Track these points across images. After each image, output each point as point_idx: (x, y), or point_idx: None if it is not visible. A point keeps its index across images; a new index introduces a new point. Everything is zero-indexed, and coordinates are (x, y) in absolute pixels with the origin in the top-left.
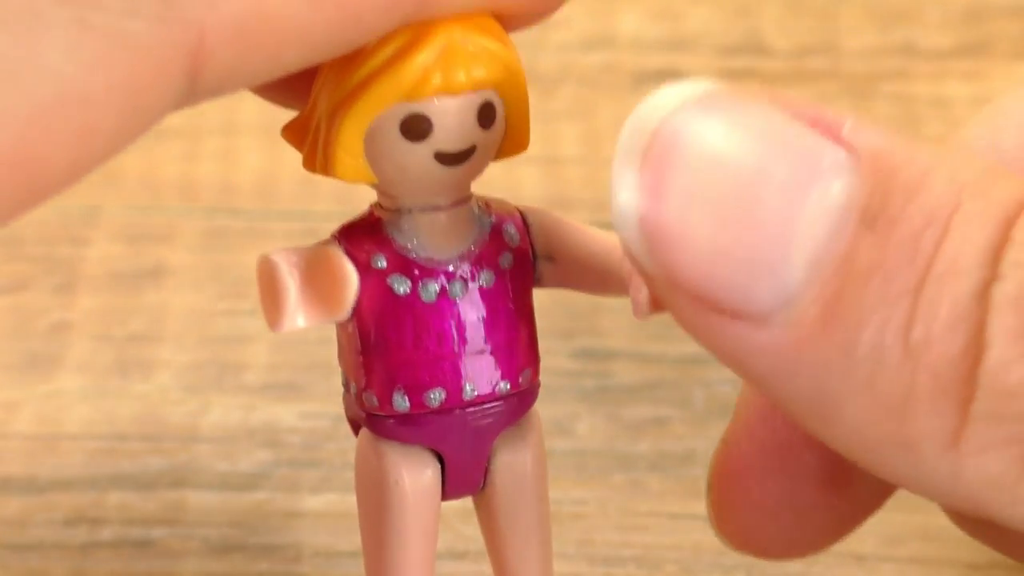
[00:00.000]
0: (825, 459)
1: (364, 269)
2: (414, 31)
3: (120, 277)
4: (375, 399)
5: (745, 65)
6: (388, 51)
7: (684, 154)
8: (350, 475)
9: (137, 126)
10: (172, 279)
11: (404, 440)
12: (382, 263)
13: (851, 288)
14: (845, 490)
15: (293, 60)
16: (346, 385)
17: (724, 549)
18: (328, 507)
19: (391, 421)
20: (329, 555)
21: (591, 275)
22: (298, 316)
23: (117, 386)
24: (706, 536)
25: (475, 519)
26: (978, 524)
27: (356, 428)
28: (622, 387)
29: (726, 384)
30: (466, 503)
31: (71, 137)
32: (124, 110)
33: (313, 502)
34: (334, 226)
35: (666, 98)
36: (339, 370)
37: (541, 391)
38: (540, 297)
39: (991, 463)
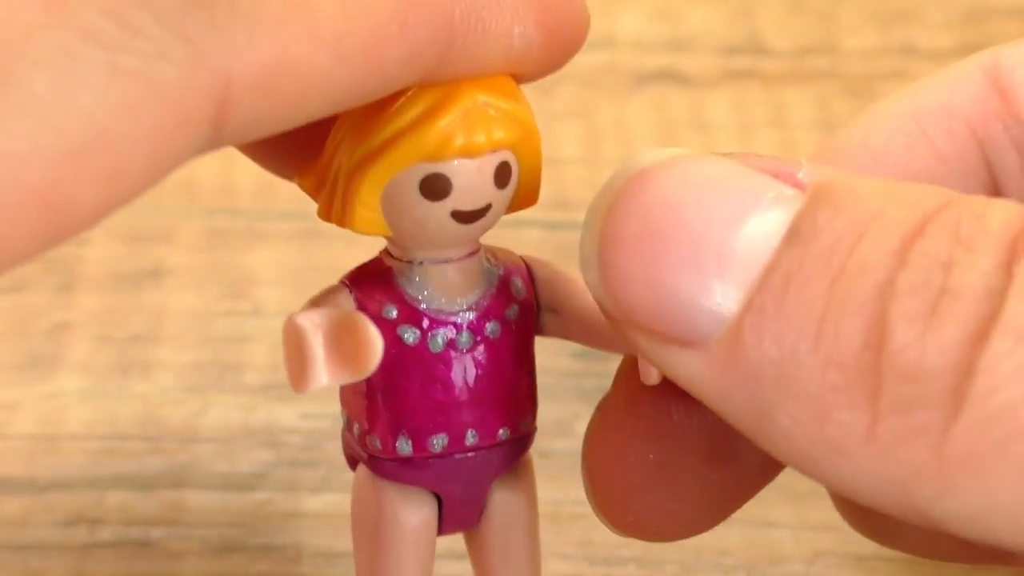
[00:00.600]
0: (707, 432)
1: (375, 319)
2: (439, 94)
3: (120, 277)
4: (379, 443)
5: (745, 65)
6: (414, 113)
7: (638, 204)
8: (350, 476)
9: (162, 170)
10: (172, 279)
11: (404, 482)
12: (393, 314)
13: (774, 300)
14: (729, 466)
15: (316, 109)
16: (348, 425)
17: (724, 549)
18: (328, 507)
19: (393, 464)
20: (329, 555)
21: (593, 331)
22: (322, 378)
23: (117, 386)
24: (706, 536)
25: None
26: (869, 519)
27: (353, 464)
28: None
29: None
30: None
31: (99, 179)
32: (151, 154)
33: (313, 502)
34: (332, 227)
35: (632, 163)
36: None
37: (541, 391)
38: None
39: (910, 454)
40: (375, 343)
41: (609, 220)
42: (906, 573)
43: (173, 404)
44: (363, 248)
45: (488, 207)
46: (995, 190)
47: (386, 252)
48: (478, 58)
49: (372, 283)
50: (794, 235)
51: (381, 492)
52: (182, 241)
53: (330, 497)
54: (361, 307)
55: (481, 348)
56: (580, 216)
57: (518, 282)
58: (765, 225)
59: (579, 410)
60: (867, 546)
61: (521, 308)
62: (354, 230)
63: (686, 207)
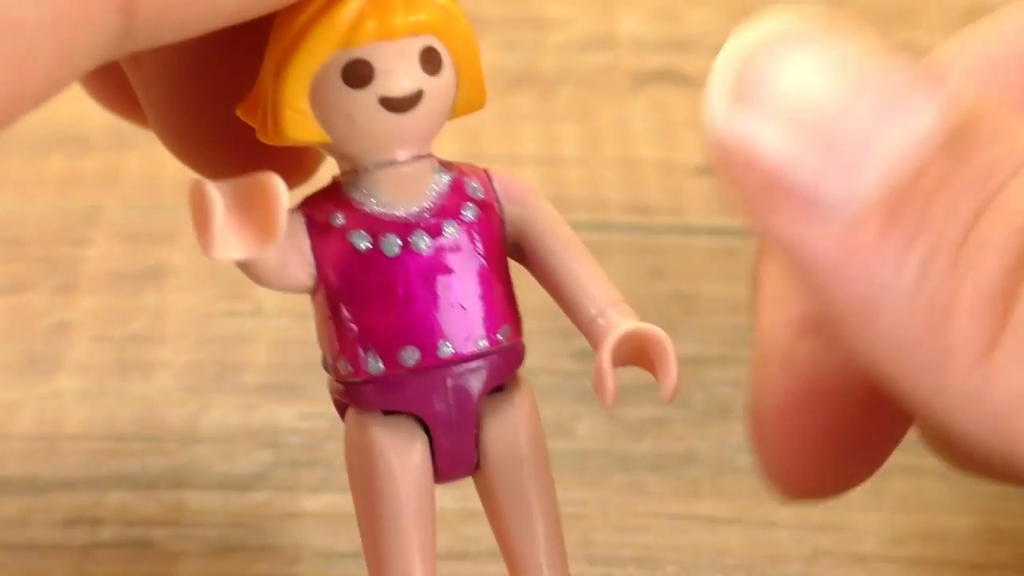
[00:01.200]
0: (861, 379)
1: (324, 228)
2: None
3: (120, 277)
4: (348, 365)
5: None
6: (315, 3)
7: (776, 80)
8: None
9: (73, 65)
10: (172, 279)
11: (384, 406)
12: (340, 220)
13: (917, 200)
14: (882, 410)
15: (228, 9)
16: (324, 365)
17: (724, 549)
18: (328, 508)
19: (368, 387)
20: (328, 556)
21: (548, 279)
22: (231, 240)
23: (117, 387)
24: (706, 536)
25: (475, 520)
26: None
27: (343, 411)
28: (622, 387)
29: (726, 385)
30: (466, 504)
31: (5, 66)
32: (58, 43)
33: (312, 503)
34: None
35: (761, 32)
36: None
37: (541, 391)
38: (539, 298)
39: (1021, 377)
40: (279, 193)
41: (741, 87)
42: (908, 573)
43: (173, 404)
44: None
45: (419, 93)
46: None
47: (336, 174)
48: None
49: (321, 198)
50: (951, 146)
51: (368, 436)
52: (182, 241)
53: (330, 497)
54: (308, 220)
55: (440, 251)
56: (580, 216)
57: (473, 183)
58: (915, 123)
59: (578, 410)
60: (867, 546)
61: (480, 208)
62: (289, 138)
63: (823, 90)
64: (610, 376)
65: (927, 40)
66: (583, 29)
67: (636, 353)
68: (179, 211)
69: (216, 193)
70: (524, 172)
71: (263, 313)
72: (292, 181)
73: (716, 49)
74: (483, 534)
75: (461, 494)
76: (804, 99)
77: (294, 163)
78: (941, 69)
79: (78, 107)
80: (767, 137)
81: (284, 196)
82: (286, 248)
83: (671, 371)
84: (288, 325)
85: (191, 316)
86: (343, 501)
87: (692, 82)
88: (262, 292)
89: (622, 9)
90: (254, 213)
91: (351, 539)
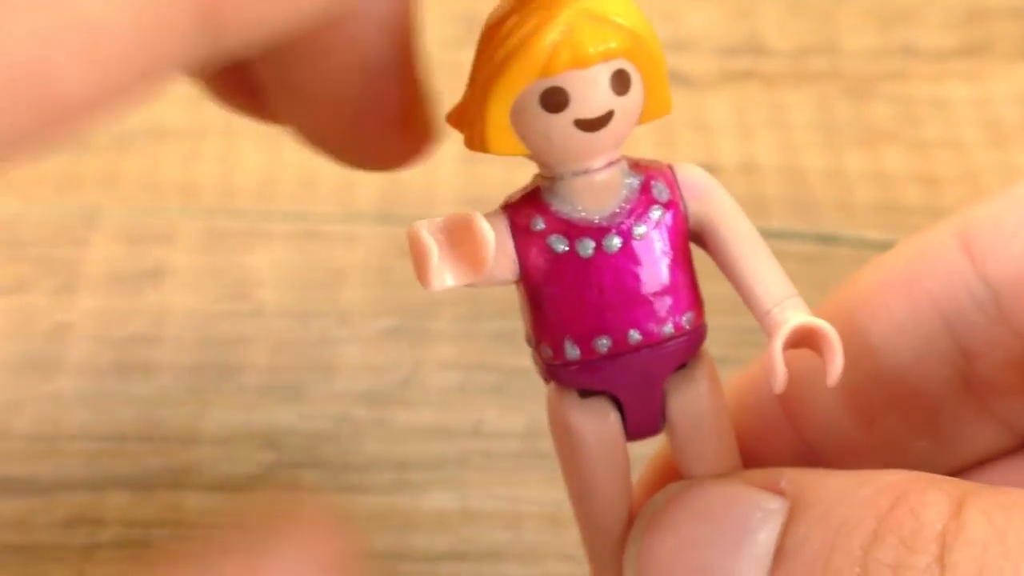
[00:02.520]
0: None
1: (525, 232)
2: (544, 11)
3: (120, 278)
4: (549, 350)
5: (745, 66)
6: (523, 32)
7: (659, 546)
8: (350, 476)
9: (156, 68)
10: (172, 280)
11: (581, 384)
12: (541, 225)
13: None
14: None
15: (312, 8)
16: (529, 342)
17: None
18: (327, 508)
19: (568, 368)
20: None
21: (727, 263)
22: (445, 275)
23: (117, 387)
24: None
25: (475, 520)
26: None
27: (546, 379)
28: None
29: (726, 385)
30: (466, 504)
31: (81, 60)
32: (136, 45)
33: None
34: (334, 227)
35: (654, 500)
36: (340, 371)
37: (540, 393)
38: None
39: None
40: (486, 235)
41: (640, 559)
42: None
43: (173, 405)
44: (363, 249)
45: (610, 114)
46: (959, 352)
47: (537, 175)
48: None
49: (522, 203)
50: (781, 554)
51: (566, 407)
52: (182, 241)
53: (330, 497)
54: (512, 224)
55: (629, 249)
56: None
57: (659, 184)
58: (756, 547)
59: None
60: None
61: (666, 209)
62: (494, 152)
63: (694, 543)
64: (780, 364)
65: (927, 40)
66: None
67: (806, 343)
68: (179, 212)
69: (428, 236)
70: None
71: (263, 313)
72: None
73: (716, 49)
74: (483, 534)
75: (461, 494)
76: (684, 551)
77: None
78: (777, 473)
79: None
80: None
81: (489, 234)
82: (494, 255)
83: (836, 361)
84: (288, 325)
85: (191, 316)
86: (343, 501)
87: (693, 82)
88: (262, 292)
89: None
90: (464, 247)
91: (351, 539)
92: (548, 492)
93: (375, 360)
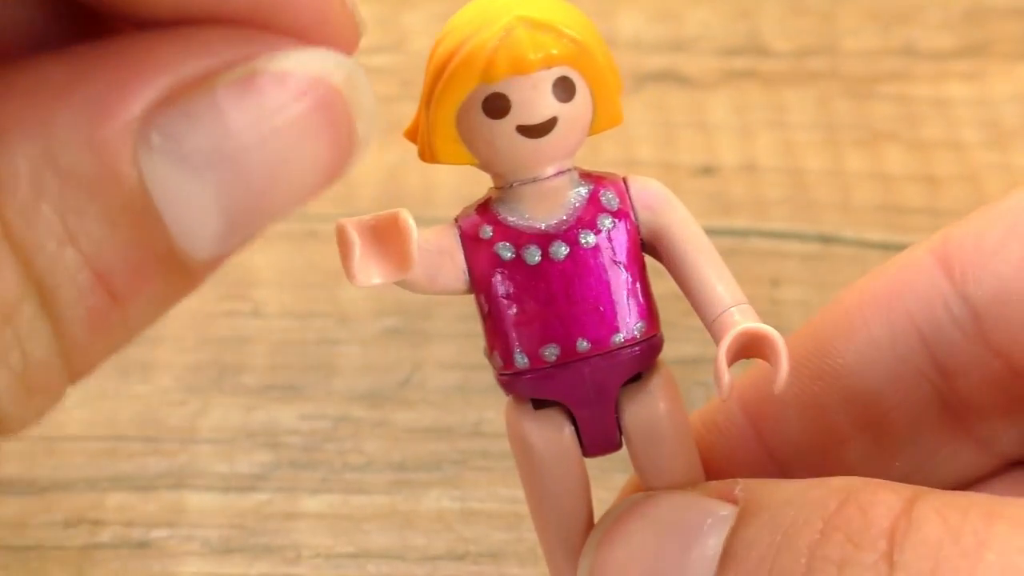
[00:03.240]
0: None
1: (475, 241)
2: (480, 18)
3: None
4: (500, 360)
5: (745, 66)
6: (462, 41)
7: (612, 556)
8: (349, 476)
9: None
10: None
11: (531, 394)
12: (489, 233)
13: None
14: None
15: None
16: (485, 353)
17: None
18: (327, 508)
19: (517, 378)
20: (328, 556)
21: (680, 272)
22: (371, 271)
23: (117, 387)
24: None
25: (475, 520)
26: None
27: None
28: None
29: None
30: (466, 505)
31: None
32: None
33: (312, 503)
34: (332, 227)
35: (609, 512)
36: (340, 371)
37: None
38: None
39: None
40: (410, 230)
41: (592, 571)
42: None
43: (173, 405)
44: None
45: (553, 120)
46: (937, 372)
47: (491, 188)
48: None
49: (473, 213)
50: (727, 556)
51: (519, 418)
52: None
53: (329, 498)
54: (462, 233)
55: (577, 257)
56: None
57: (609, 194)
58: (705, 551)
59: None
60: None
61: (616, 218)
62: (443, 162)
63: (645, 551)
64: (724, 372)
65: (927, 40)
66: None
67: (753, 349)
68: None
69: (354, 232)
70: None
71: (263, 314)
72: None
73: (716, 50)
74: (483, 534)
75: (461, 494)
76: (634, 560)
77: None
78: (732, 482)
79: None
80: None
81: (413, 230)
82: (438, 263)
83: (782, 365)
84: (288, 326)
85: (191, 316)
86: (342, 502)
87: (692, 82)
88: (262, 293)
89: (622, 9)
90: (392, 245)
91: (351, 539)
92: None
93: (375, 360)
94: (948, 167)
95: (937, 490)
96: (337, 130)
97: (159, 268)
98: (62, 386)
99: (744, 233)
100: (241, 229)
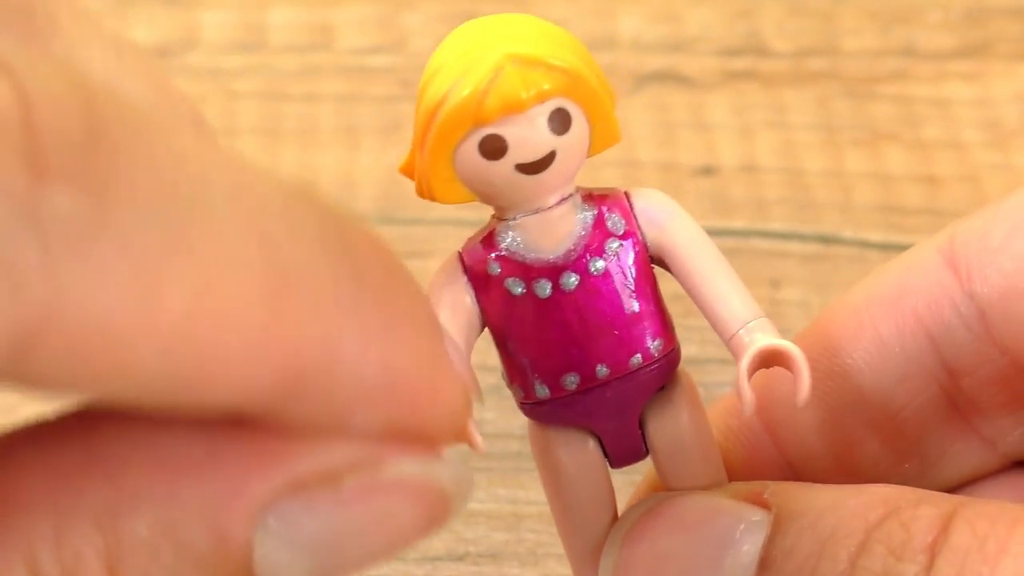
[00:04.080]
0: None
1: (483, 278)
2: (468, 58)
3: None
4: (521, 391)
5: (745, 66)
6: (451, 83)
7: (639, 554)
8: None
9: None
10: None
11: (555, 423)
12: (497, 269)
13: None
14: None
15: (125, 391)
16: (505, 382)
17: None
18: None
19: (539, 407)
20: None
21: (688, 282)
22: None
23: None
24: None
25: (475, 521)
26: None
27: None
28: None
29: (726, 385)
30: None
31: None
32: None
33: None
34: None
35: (632, 512)
36: None
37: None
38: None
39: None
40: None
41: (616, 570)
42: None
43: None
44: None
45: (552, 155)
46: (944, 370)
47: (493, 216)
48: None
49: (478, 246)
50: (764, 565)
51: (544, 439)
52: None
53: None
54: (469, 271)
55: (588, 285)
56: None
57: (614, 216)
58: (740, 558)
59: None
60: None
61: (623, 240)
62: (442, 202)
63: (675, 553)
64: (747, 388)
65: (927, 40)
66: (583, 29)
67: (772, 363)
68: None
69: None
70: None
71: None
72: None
73: (716, 50)
74: (483, 535)
75: None
76: (664, 562)
77: None
78: (760, 485)
79: None
80: None
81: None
82: (467, 332)
83: (803, 382)
84: None
85: None
86: None
87: (692, 82)
88: None
89: (622, 9)
90: None
91: None
92: None
93: None
94: (948, 167)
95: (973, 500)
96: (433, 523)
97: None
98: None
99: (744, 233)
100: None
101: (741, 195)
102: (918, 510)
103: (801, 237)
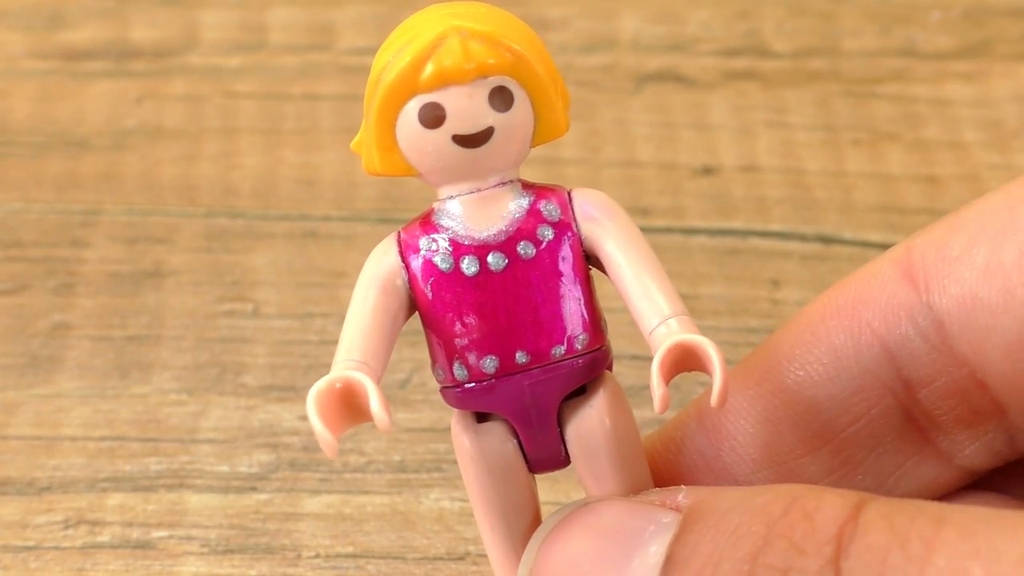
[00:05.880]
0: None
1: (414, 252)
2: (415, 28)
3: (119, 278)
4: (441, 372)
5: (745, 66)
6: (393, 50)
7: (552, 561)
8: (349, 477)
9: None
10: (171, 280)
11: (471, 406)
12: (427, 244)
13: None
14: None
15: None
16: (431, 367)
17: None
18: (327, 509)
19: (457, 391)
20: (328, 556)
21: (619, 282)
22: (338, 430)
23: (116, 387)
24: None
25: (475, 521)
26: None
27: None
28: (623, 388)
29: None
30: (466, 505)
31: None
32: None
33: (312, 503)
34: (332, 227)
35: (547, 521)
36: None
37: None
38: None
39: None
40: (378, 405)
41: (534, 572)
42: None
43: (172, 405)
44: (361, 250)
45: (490, 130)
46: (900, 383)
47: (435, 200)
48: None
49: (415, 225)
50: (670, 564)
51: (463, 431)
52: (182, 241)
53: (330, 498)
54: (403, 245)
55: (516, 269)
56: None
57: (550, 205)
58: (647, 558)
59: None
60: None
61: (556, 229)
62: (384, 173)
63: (586, 557)
64: (658, 386)
65: (927, 41)
66: (583, 29)
67: (693, 361)
68: (178, 212)
69: (317, 417)
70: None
71: (263, 314)
72: None
73: (716, 50)
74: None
75: (461, 495)
76: (575, 567)
77: None
78: (676, 490)
79: (78, 107)
80: None
81: (378, 401)
82: (391, 324)
83: (717, 378)
84: (288, 326)
85: (191, 316)
86: (342, 502)
87: (692, 82)
88: (262, 293)
89: (622, 9)
90: (354, 403)
91: (351, 539)
92: (547, 493)
93: None
94: (948, 167)
95: (884, 497)
96: None
97: None
98: None
99: (744, 233)
100: None
101: (741, 195)
102: (822, 501)
103: (801, 237)
